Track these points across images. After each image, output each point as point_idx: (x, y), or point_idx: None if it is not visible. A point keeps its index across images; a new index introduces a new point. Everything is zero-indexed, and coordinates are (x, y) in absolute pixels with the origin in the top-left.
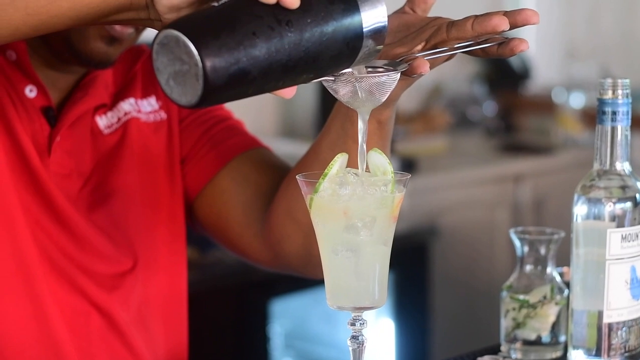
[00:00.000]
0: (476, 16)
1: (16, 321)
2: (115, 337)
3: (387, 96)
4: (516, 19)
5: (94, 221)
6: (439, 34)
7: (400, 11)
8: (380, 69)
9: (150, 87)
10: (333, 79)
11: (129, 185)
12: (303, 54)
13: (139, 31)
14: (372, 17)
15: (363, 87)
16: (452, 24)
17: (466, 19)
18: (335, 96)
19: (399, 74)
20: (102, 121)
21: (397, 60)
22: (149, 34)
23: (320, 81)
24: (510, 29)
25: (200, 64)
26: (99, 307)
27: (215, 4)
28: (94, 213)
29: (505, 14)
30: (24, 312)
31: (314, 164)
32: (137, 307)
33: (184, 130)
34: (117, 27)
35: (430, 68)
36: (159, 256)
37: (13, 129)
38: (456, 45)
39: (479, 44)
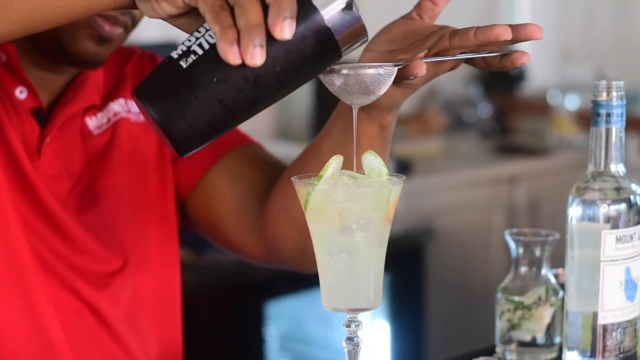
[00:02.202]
0: (479, 26)
1: (10, 321)
2: (108, 335)
3: (382, 92)
4: (519, 32)
5: (84, 221)
6: (442, 42)
7: (407, 17)
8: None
9: None
10: (328, 69)
11: (118, 185)
12: (274, 97)
13: (128, 31)
14: (347, 36)
15: (358, 80)
16: (455, 32)
17: (469, 28)
18: (330, 88)
19: (396, 69)
20: (92, 122)
21: (397, 62)
22: (141, 34)
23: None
24: (512, 42)
25: (167, 137)
26: (90, 305)
27: (183, 64)
28: (84, 213)
29: (509, 26)
30: (17, 311)
31: (313, 164)
32: (127, 305)
33: None
34: (107, 27)
35: (434, 76)
36: (149, 256)
37: (3, 130)
38: (459, 54)
39: (481, 54)
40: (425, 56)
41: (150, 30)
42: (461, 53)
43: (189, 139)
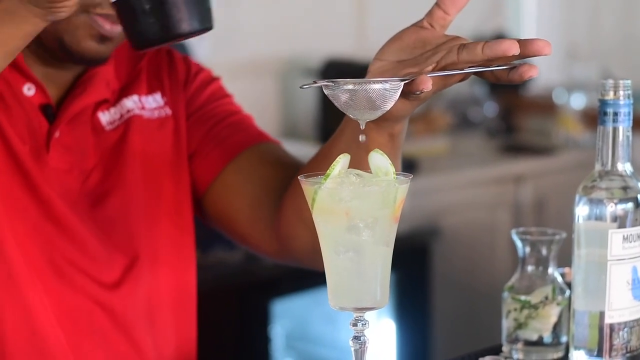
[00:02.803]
0: (487, 41)
1: (10, 324)
2: (121, 335)
3: (388, 107)
4: (527, 48)
5: (95, 217)
6: (450, 57)
7: (419, 25)
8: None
9: (156, 83)
10: (333, 84)
11: (130, 182)
12: None
13: None
14: None
15: (364, 95)
16: (463, 46)
17: (477, 42)
18: (336, 104)
19: (402, 84)
20: (105, 117)
21: (404, 77)
22: None
23: (322, 89)
24: (520, 57)
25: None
26: (102, 305)
27: None
28: (96, 209)
29: (518, 41)
30: (18, 314)
31: (323, 169)
32: (142, 303)
33: (192, 126)
34: (107, 26)
35: (443, 88)
36: (163, 252)
37: (4, 134)
38: (467, 68)
39: (489, 68)
40: (433, 70)
41: None
42: (469, 67)
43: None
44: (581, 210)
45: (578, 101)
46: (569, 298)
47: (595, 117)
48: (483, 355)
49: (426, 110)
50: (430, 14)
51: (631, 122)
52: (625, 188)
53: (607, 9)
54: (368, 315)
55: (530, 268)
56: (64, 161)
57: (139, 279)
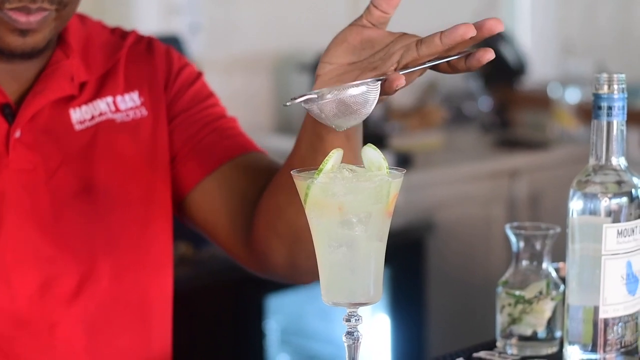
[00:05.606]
0: (443, 31)
1: None
2: (83, 346)
3: (371, 110)
4: (482, 30)
5: (60, 219)
6: (410, 54)
7: (359, 24)
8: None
9: (135, 80)
10: (316, 96)
11: (99, 186)
12: None
13: (59, 10)
14: None
15: (346, 102)
16: (421, 42)
17: (433, 34)
18: (319, 117)
19: (379, 85)
20: (76, 115)
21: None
22: (140, 26)
23: (303, 102)
24: (477, 40)
25: None
26: (58, 312)
27: None
28: (62, 210)
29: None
30: None
31: (289, 180)
32: (108, 309)
33: (174, 130)
34: (22, 19)
35: (406, 85)
36: (130, 257)
37: None
38: (426, 62)
39: (447, 58)
40: (395, 70)
41: (151, 23)
42: (429, 60)
43: None
44: (575, 205)
45: (573, 96)
46: (563, 293)
47: (589, 111)
48: (477, 350)
49: (421, 105)
50: (369, 13)
51: (625, 116)
52: (619, 182)
53: (602, 3)
54: (362, 310)
55: (524, 263)
56: (27, 161)
57: (98, 287)
